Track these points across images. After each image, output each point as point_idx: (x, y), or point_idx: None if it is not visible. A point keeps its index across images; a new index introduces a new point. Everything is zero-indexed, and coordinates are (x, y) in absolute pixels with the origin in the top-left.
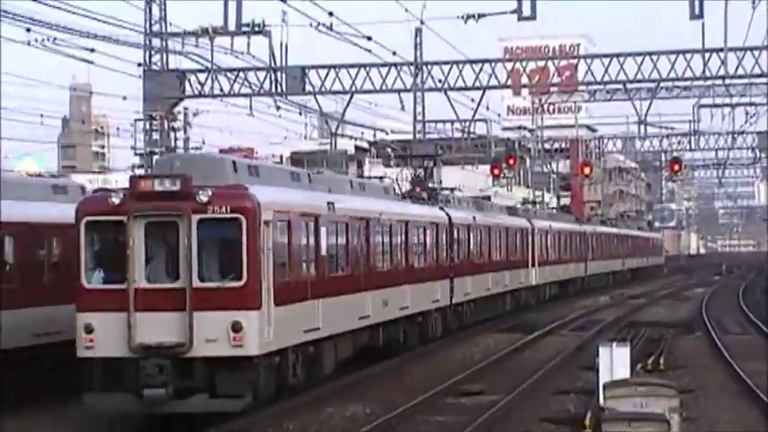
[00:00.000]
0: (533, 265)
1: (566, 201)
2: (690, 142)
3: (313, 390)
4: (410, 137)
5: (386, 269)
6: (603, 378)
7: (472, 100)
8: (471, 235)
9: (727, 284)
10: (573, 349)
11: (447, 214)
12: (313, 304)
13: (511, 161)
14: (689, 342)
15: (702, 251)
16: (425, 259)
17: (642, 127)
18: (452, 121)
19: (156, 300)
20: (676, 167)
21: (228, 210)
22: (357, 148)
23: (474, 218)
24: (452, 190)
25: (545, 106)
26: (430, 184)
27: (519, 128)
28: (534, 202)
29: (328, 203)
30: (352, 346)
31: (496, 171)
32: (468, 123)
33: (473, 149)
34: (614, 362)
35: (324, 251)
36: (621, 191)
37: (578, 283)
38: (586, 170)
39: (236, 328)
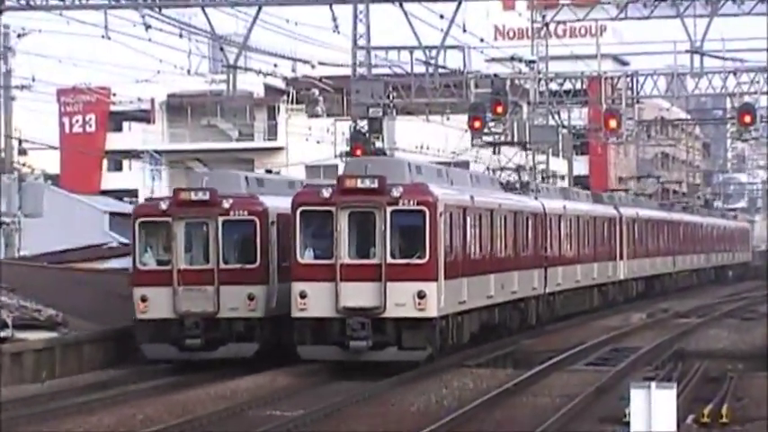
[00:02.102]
0: (621, 258)
1: (581, 169)
2: (767, 82)
3: None
4: (348, 72)
5: (502, 256)
6: None
7: (441, 17)
8: (562, 225)
9: None
10: (591, 392)
11: (542, 204)
12: (461, 281)
13: (499, 109)
14: (766, 382)
15: None
16: (527, 248)
17: (697, 58)
18: (412, 49)
19: (357, 272)
20: (748, 119)
21: (416, 203)
22: (268, 88)
23: (564, 207)
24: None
25: (551, 27)
26: (377, 144)
27: (511, 59)
28: (534, 172)
29: (471, 197)
30: (479, 321)
31: (477, 124)
32: (435, 52)
33: (443, 91)
34: (653, 411)
35: (468, 237)
36: (666, 154)
37: (665, 280)
38: (612, 123)
39: (421, 295)
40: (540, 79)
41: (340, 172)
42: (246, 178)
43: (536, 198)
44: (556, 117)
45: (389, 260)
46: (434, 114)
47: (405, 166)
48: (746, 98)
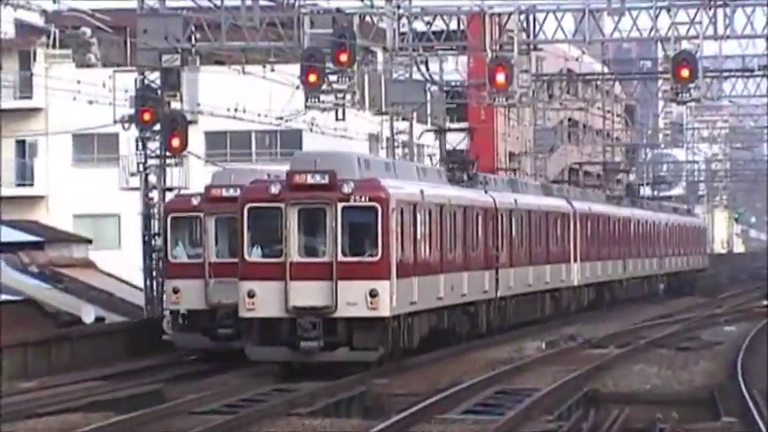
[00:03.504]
0: (574, 260)
1: (458, 142)
2: (713, 22)
3: None
4: (132, 4)
5: (452, 255)
6: None
7: None
8: (513, 221)
9: None
10: None
11: (492, 198)
12: (411, 281)
13: (343, 57)
14: None
15: (739, 248)
16: (477, 247)
17: None
18: None
19: (307, 271)
20: (686, 73)
21: (367, 199)
22: (20, 26)
23: (515, 201)
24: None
25: None
26: (174, 105)
27: None
28: (391, 144)
29: (421, 191)
30: (428, 325)
31: (314, 78)
32: None
33: (265, 32)
34: None
35: (418, 235)
36: (574, 122)
37: (615, 287)
38: (500, 78)
39: (373, 294)
40: (400, 16)
41: (121, 145)
42: (269, 176)
43: (486, 191)
44: (423, 69)
45: (341, 258)
46: (254, 64)
47: (354, 161)
48: (684, 44)
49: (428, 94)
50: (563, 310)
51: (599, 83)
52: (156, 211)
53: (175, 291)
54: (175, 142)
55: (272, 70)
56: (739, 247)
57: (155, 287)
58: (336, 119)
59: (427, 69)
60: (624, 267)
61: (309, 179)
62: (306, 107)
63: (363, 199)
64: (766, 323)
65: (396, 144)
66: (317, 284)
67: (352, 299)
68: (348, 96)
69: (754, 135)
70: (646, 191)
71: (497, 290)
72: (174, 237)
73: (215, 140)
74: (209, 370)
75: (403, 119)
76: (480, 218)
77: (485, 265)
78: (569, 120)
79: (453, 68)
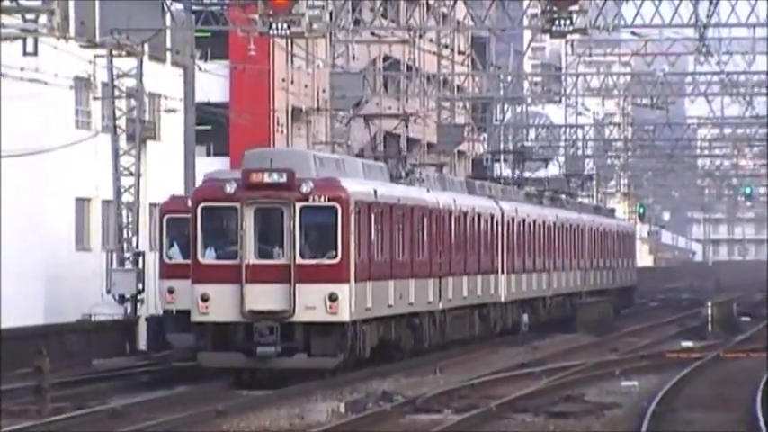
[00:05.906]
0: (502, 272)
1: (217, 92)
2: None
3: None
4: None
5: (400, 260)
6: None
7: None
8: (453, 223)
9: (727, 367)
10: None
11: (436, 198)
12: (365, 286)
13: None
14: None
15: (646, 260)
16: (423, 251)
17: None
18: None
19: (264, 273)
20: None
21: (327, 199)
22: None
23: (454, 200)
24: None
25: None
26: None
27: None
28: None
29: (374, 191)
30: (377, 335)
31: None
32: None
33: None
34: None
35: (372, 237)
36: (395, 62)
37: (539, 306)
38: None
39: (333, 297)
40: None
41: None
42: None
43: (428, 190)
44: None
45: (299, 260)
46: None
47: (310, 158)
48: None
49: (168, 17)
50: (491, 330)
51: (431, 2)
52: None
53: (170, 291)
54: None
55: None
56: (646, 259)
57: None
58: (25, 53)
59: None
60: (549, 281)
61: (266, 178)
62: None
63: (323, 199)
64: (687, 372)
65: (118, 93)
66: (273, 287)
67: (311, 303)
68: (42, 18)
69: (671, 86)
70: (501, 170)
71: (440, 301)
72: (170, 238)
73: None
74: None
75: (129, 54)
76: (426, 220)
77: (430, 272)
78: (386, 59)
79: None
